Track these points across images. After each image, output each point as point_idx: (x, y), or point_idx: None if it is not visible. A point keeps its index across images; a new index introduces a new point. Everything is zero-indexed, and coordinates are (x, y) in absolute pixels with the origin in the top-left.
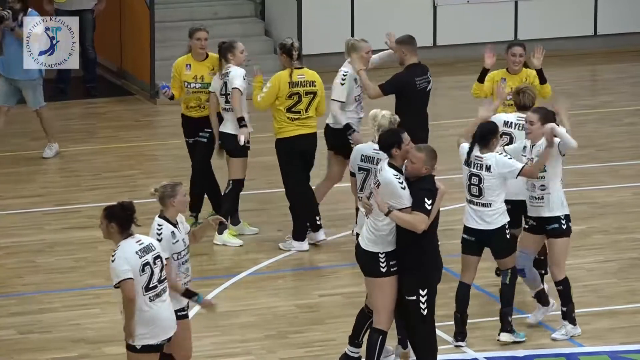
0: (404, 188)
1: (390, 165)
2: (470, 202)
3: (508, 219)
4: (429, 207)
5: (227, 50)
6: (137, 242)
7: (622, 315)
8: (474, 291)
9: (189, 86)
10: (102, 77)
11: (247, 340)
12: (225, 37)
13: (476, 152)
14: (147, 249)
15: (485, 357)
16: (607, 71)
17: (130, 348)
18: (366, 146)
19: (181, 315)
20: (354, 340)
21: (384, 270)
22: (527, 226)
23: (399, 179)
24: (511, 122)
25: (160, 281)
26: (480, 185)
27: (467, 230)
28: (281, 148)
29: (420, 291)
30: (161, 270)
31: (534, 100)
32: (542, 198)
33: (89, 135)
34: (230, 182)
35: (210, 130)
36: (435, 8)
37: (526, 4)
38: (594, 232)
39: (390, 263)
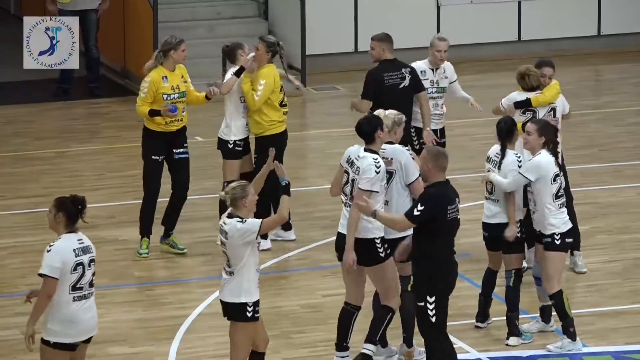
0: (378, 172)
1: (368, 150)
2: (487, 198)
3: (521, 216)
4: (416, 213)
5: (237, 47)
6: (79, 240)
7: (626, 315)
8: (476, 292)
9: (168, 98)
10: (106, 77)
11: None
12: (229, 37)
13: (497, 149)
14: (85, 250)
15: (489, 357)
16: (610, 71)
17: (45, 342)
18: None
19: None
20: (342, 344)
21: (382, 254)
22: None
23: (377, 161)
24: None
25: (90, 285)
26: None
27: (483, 226)
28: (269, 145)
29: (428, 298)
30: (93, 274)
31: (540, 80)
32: (535, 212)
33: (92, 135)
34: (225, 183)
35: (187, 144)
36: (438, 8)
37: (529, 4)
38: (598, 232)
39: (385, 246)
